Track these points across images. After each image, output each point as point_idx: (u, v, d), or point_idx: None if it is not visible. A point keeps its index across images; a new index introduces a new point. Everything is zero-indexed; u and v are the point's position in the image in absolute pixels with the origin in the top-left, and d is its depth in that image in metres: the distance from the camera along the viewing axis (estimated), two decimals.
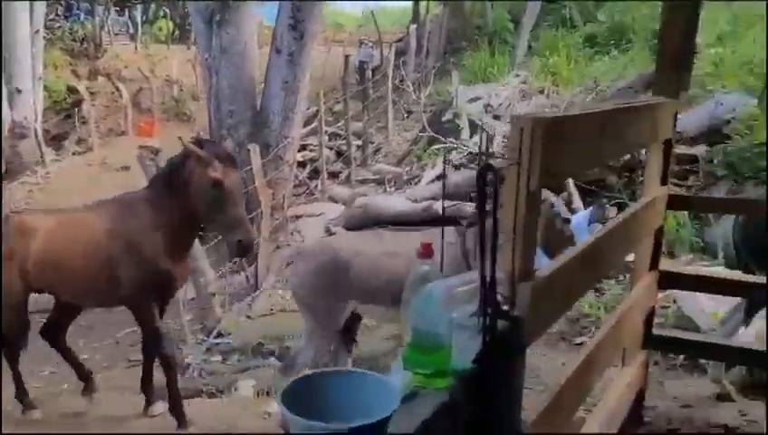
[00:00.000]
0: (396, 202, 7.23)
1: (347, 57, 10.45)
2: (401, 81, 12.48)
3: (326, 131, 10.17)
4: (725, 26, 8.27)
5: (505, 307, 1.49)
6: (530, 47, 13.26)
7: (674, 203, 3.04)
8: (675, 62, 2.81)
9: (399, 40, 17.35)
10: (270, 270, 6.75)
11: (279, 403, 0.97)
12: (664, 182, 2.93)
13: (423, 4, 19.49)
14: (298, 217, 8.16)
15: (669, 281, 3.14)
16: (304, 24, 7.51)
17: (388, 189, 8.54)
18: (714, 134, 6.63)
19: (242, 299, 6.42)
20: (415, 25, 15.99)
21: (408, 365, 1.24)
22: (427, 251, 1.24)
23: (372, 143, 11.06)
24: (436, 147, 8.69)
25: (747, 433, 3.15)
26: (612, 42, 11.62)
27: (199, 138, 4.24)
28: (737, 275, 3.61)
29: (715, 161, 6.40)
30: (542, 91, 9.56)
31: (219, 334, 5.48)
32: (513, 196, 1.46)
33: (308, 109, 10.19)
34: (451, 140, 8.33)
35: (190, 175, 3.35)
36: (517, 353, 1.52)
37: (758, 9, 9.38)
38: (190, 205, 3.40)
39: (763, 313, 3.52)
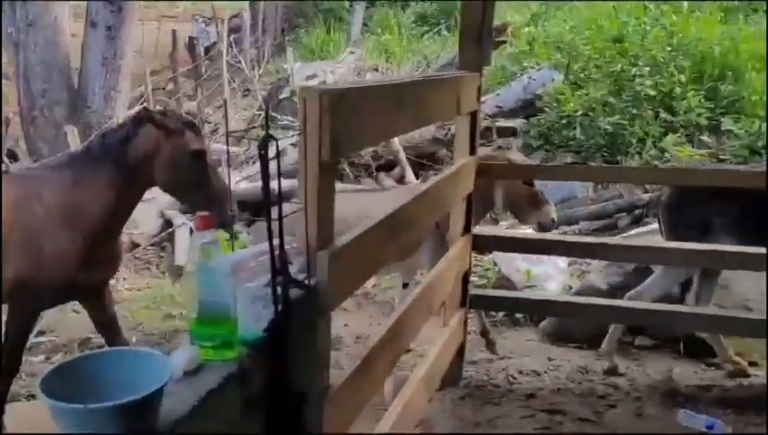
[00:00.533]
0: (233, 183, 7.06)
1: (174, 33, 9.95)
2: (237, 59, 12.14)
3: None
4: (538, 7, 8.95)
5: (302, 276, 1.53)
6: (365, 25, 13.48)
7: (482, 171, 3.26)
8: (475, 37, 3.00)
9: (235, 16, 16.81)
10: None
11: (37, 391, 0.93)
12: (472, 152, 3.13)
13: None
14: None
15: (481, 244, 3.38)
16: None
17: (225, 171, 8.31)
18: (529, 107, 7.18)
19: None
20: (250, 2, 15.58)
21: (195, 339, 1.23)
22: (205, 223, 1.23)
23: (209, 123, 10.68)
24: (274, 125, 8.59)
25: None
26: (442, 20, 12.12)
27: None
28: (546, 235, 3.98)
29: (532, 133, 6.95)
30: (376, 69, 9.77)
31: (41, 332, 5.06)
32: (302, 166, 1.49)
33: (139, 87, 9.61)
34: (288, 117, 8.28)
35: (156, 147, 2.78)
36: (317, 320, 1.57)
37: None
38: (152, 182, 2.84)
39: None
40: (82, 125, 6.80)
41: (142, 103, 9.69)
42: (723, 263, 3.29)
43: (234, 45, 12.53)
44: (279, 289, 1.34)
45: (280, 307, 1.34)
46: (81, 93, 7.20)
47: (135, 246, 6.32)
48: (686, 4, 7.72)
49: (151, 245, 6.26)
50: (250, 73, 11.30)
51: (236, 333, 1.25)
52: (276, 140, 1.28)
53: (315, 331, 1.57)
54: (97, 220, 2.78)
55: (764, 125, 5.89)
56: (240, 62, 11.66)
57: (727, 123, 6.11)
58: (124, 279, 5.70)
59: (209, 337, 1.22)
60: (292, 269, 1.51)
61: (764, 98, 6.19)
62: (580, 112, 6.52)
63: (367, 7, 13.71)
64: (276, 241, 1.35)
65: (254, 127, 8.35)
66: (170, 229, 6.33)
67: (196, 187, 2.81)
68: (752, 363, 3.52)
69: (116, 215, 2.85)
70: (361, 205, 3.12)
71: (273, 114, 8.90)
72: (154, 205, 7.46)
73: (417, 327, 2.44)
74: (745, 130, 5.91)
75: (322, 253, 1.56)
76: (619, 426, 2.92)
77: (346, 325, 4.25)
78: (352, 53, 10.44)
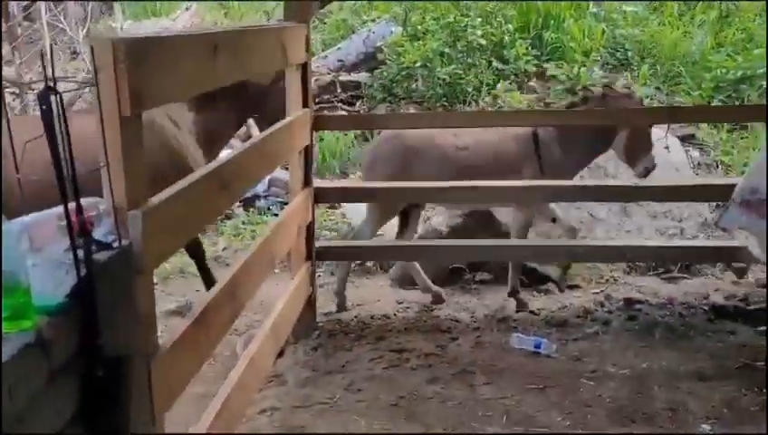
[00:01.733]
0: None
1: None
2: (57, 18, 11.05)
3: None
4: None
5: (112, 237, 1.46)
6: None
7: (318, 123, 3.27)
8: None
9: None
10: None
11: None
12: (305, 104, 3.12)
13: None
14: None
15: (322, 196, 3.42)
16: None
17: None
18: (371, 60, 7.23)
19: None
20: None
21: None
22: None
23: (33, 90, 9.73)
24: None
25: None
26: None
27: None
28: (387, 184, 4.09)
29: (375, 85, 7.02)
30: (214, 24, 9.34)
31: None
32: (100, 122, 1.40)
33: None
34: None
35: None
36: (134, 280, 1.51)
37: None
38: None
39: None
40: None
41: None
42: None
43: (54, 4, 11.39)
44: (81, 253, 1.27)
45: (84, 272, 1.27)
46: None
47: None
48: None
49: None
50: (75, 34, 10.36)
51: (30, 301, 1.17)
52: (59, 93, 1.19)
53: (134, 292, 1.51)
54: None
55: (583, 70, 6.39)
56: (62, 21, 10.63)
57: (551, 69, 6.55)
58: None
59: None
60: (101, 231, 1.44)
61: (582, 44, 6.70)
62: (419, 64, 6.68)
63: None
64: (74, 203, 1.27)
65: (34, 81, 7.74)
66: None
67: None
68: (574, 286, 3.90)
69: None
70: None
71: None
72: None
73: (257, 281, 2.43)
74: (566, 75, 6.37)
75: (134, 212, 1.50)
76: (459, 355, 3.13)
77: (198, 291, 4.14)
78: (187, 9, 9.89)
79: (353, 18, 8.10)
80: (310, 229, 3.30)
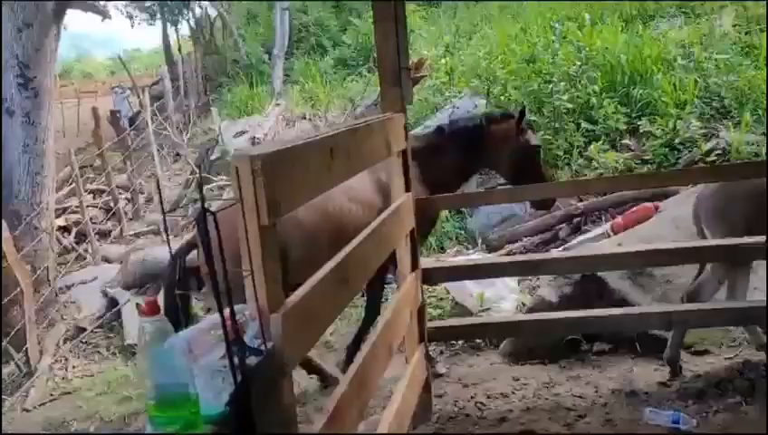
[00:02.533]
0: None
1: (94, 109, 9.78)
2: (163, 126, 12.02)
3: (87, 190, 9.44)
4: (450, 38, 9.25)
5: (258, 341, 1.52)
6: (287, 76, 13.60)
7: (420, 206, 3.32)
8: (395, 78, 3.09)
9: (156, 83, 16.70)
10: (44, 352, 6.07)
11: None
12: (407, 188, 3.19)
13: (174, 44, 19.01)
14: (69, 286, 7.44)
15: (431, 276, 3.42)
16: (37, 80, 6.90)
17: (164, 240, 8.16)
18: None
19: (14, 391, 5.69)
20: (167, 67, 15.52)
21: (156, 426, 1.21)
22: (152, 308, 1.22)
23: (143, 193, 10.50)
24: (208, 186, 8.52)
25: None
26: (361, 62, 12.37)
27: None
28: (486, 258, 4.08)
29: None
30: (304, 117, 9.85)
31: None
32: (243, 232, 1.49)
33: (65, 167, 9.38)
34: (222, 177, 8.23)
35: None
36: (275, 383, 1.55)
37: (476, 17, 10.68)
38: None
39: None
40: (11, 214, 6.57)
41: (71, 184, 9.47)
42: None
43: (158, 113, 12.43)
44: (236, 359, 1.33)
45: (239, 377, 1.32)
46: (6, 183, 6.96)
47: (81, 330, 6.10)
48: (587, 18, 8.13)
49: (98, 327, 6.05)
50: (177, 138, 11.20)
51: (199, 412, 1.23)
52: (214, 213, 1.29)
53: (278, 393, 1.55)
54: None
55: (679, 122, 6.22)
56: (166, 128, 11.55)
57: (645, 125, 6.42)
58: (74, 367, 5.48)
59: (171, 421, 1.20)
60: (247, 336, 1.51)
61: (674, 97, 6.55)
62: None
63: (286, 59, 13.86)
64: (227, 311, 1.34)
65: (179, 207, 8.26)
66: (115, 308, 6.14)
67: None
68: (705, 352, 3.66)
69: None
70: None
71: (207, 175, 8.83)
72: (95, 285, 7.26)
73: (380, 370, 2.44)
74: (662, 129, 6.22)
75: (275, 315, 1.56)
76: (591, 434, 2.97)
77: (311, 377, 4.19)
78: (278, 105, 10.51)
79: (435, 96, 8.33)
80: (421, 312, 3.30)
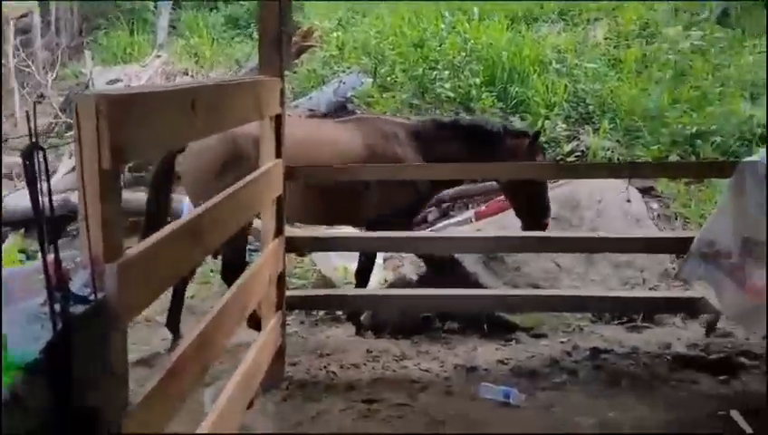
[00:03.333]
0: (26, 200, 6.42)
1: None
2: (26, 62, 11.02)
3: None
4: (344, 13, 9.21)
5: (87, 290, 1.46)
6: (173, 27, 12.91)
7: (290, 174, 3.31)
8: (274, 41, 3.04)
9: (24, 15, 15.22)
10: None
11: None
12: (278, 155, 3.16)
13: None
14: None
15: (296, 245, 3.43)
16: None
17: (17, 186, 7.53)
18: (341, 110, 7.37)
19: None
20: (40, 1, 14.20)
21: None
22: None
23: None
24: (70, 134, 7.94)
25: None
26: (252, 23, 11.97)
27: None
28: (358, 233, 4.15)
29: None
30: (186, 73, 9.43)
31: None
32: (80, 175, 1.42)
33: None
34: None
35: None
36: (109, 335, 1.50)
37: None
38: None
39: None
40: None
41: None
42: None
43: (21, 48, 11.37)
44: (58, 307, 1.27)
45: (59, 326, 1.27)
46: None
47: None
48: (476, 12, 8.40)
49: None
50: (42, 78, 10.33)
51: (5, 357, 1.16)
52: (44, 149, 1.21)
53: (108, 347, 1.50)
54: None
55: (547, 122, 6.60)
56: (29, 65, 10.60)
57: (517, 121, 6.75)
58: None
59: None
60: (75, 284, 1.44)
61: (546, 98, 6.94)
62: (388, 114, 6.83)
63: (173, 10, 13.14)
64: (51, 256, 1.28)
65: (18, 137, 7.69)
66: None
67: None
68: (542, 335, 3.95)
69: None
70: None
71: (71, 120, 8.24)
72: None
73: (229, 332, 2.42)
74: (531, 127, 6.57)
75: (111, 265, 1.50)
76: (430, 405, 3.13)
77: (163, 340, 4.08)
78: (159, 56, 9.98)
79: (324, 69, 8.28)
80: (281, 279, 3.30)
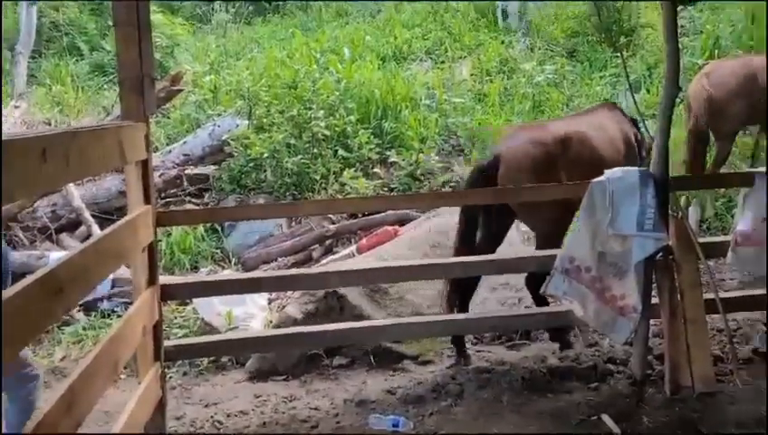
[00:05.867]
0: None
1: None
2: None
3: None
4: (216, 56, 9.15)
5: None
6: (33, 76, 12.22)
7: (162, 219, 3.22)
8: (136, 85, 2.97)
9: None
10: None
11: None
12: (147, 201, 3.07)
13: None
14: None
15: (169, 293, 3.32)
16: None
17: None
18: (218, 153, 7.26)
19: None
20: None
21: None
22: None
23: None
24: None
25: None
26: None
27: None
28: (237, 275, 4.08)
29: (224, 177, 7.04)
30: (48, 123, 8.93)
31: None
32: None
33: None
34: None
35: None
36: None
37: (246, 40, 10.71)
38: None
39: None
40: None
41: None
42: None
43: None
44: None
45: None
46: None
47: None
48: (347, 53, 8.64)
49: None
50: None
51: None
52: None
53: None
54: None
55: (421, 155, 6.86)
56: None
57: (393, 156, 6.97)
58: None
59: None
60: None
61: (419, 133, 7.22)
62: (266, 155, 6.82)
63: (33, 58, 12.45)
64: None
65: None
66: None
67: None
68: (429, 362, 4.05)
69: None
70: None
71: None
72: None
73: (99, 390, 2.29)
74: (407, 161, 6.81)
75: None
76: None
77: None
78: (17, 106, 9.38)
79: (198, 112, 8.14)
80: (157, 329, 3.17)
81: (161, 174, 6.62)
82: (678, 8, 8.44)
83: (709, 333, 3.59)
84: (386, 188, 6.65)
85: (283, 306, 4.85)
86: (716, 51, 8.07)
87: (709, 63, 5.46)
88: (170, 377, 4.01)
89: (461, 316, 3.99)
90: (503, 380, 3.61)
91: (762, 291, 3.57)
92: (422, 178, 6.66)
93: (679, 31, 8.51)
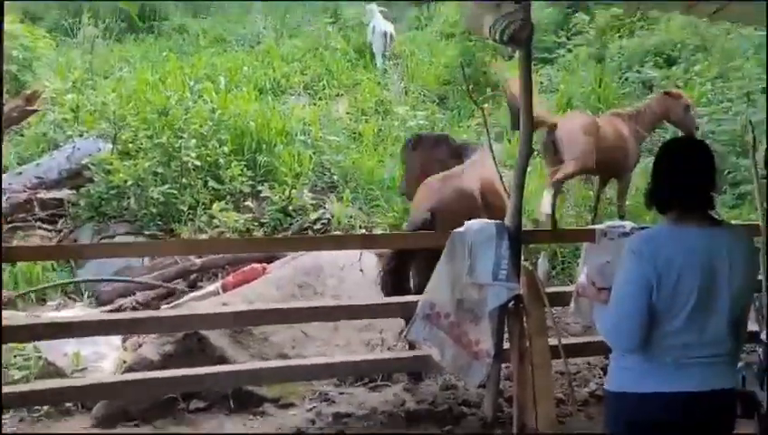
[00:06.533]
0: None
1: None
2: None
3: None
4: (80, 74, 8.65)
5: None
6: None
7: (5, 255, 2.98)
8: None
9: None
10: None
11: None
12: None
13: None
14: None
15: (7, 335, 3.07)
16: None
17: None
18: (76, 177, 6.84)
19: None
20: None
21: None
22: None
23: None
24: None
25: None
26: None
27: None
28: (88, 316, 3.83)
29: (82, 204, 6.62)
30: None
31: None
32: None
33: None
34: None
35: None
36: None
37: (115, 58, 10.21)
38: None
39: None
40: None
41: None
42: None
43: None
44: None
45: None
46: None
47: None
48: (223, 82, 8.51)
49: None
50: None
51: None
52: None
53: None
54: None
55: (294, 191, 6.87)
56: None
57: (265, 190, 6.91)
58: None
59: None
60: None
61: (293, 168, 7.22)
62: (130, 183, 6.51)
63: None
64: None
65: None
66: None
67: None
68: (289, 405, 4.01)
69: None
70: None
71: None
72: None
73: None
74: (279, 196, 6.78)
75: None
76: None
77: None
78: None
79: (56, 132, 7.63)
80: None
81: (8, 197, 6.14)
82: (538, 66, 9.16)
83: (553, 376, 3.86)
84: (256, 223, 6.57)
85: (139, 345, 4.61)
86: (569, 108, 8.82)
87: (559, 120, 5.94)
88: (4, 422, 3.67)
89: (326, 360, 4.00)
90: (362, 424, 3.65)
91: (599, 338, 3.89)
92: (294, 213, 6.65)
93: (538, 88, 9.27)
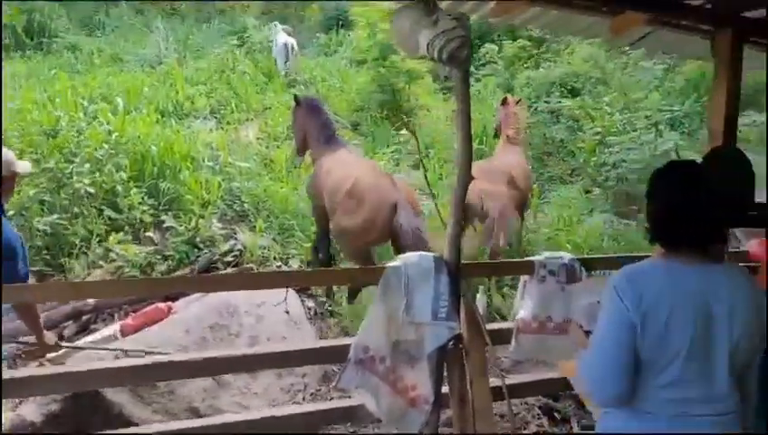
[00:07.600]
0: None
1: None
2: None
3: None
4: None
5: None
6: None
7: None
8: None
9: None
10: None
11: None
12: None
13: None
14: None
15: None
16: None
17: None
18: None
19: None
20: None
21: None
22: None
23: None
24: None
25: None
26: None
27: None
28: None
29: None
30: None
31: None
32: None
33: None
34: None
35: None
36: None
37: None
38: None
39: None
40: None
41: None
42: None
43: None
44: None
45: None
46: None
47: None
48: (121, 103, 7.85)
49: None
50: None
51: None
52: None
53: None
54: None
55: (201, 221, 6.33)
56: None
57: (169, 220, 6.33)
58: None
59: None
60: None
61: (200, 196, 6.69)
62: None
63: None
64: None
65: None
66: None
67: None
68: None
69: None
70: None
71: None
72: None
73: None
74: (185, 226, 6.22)
75: None
76: None
77: None
78: None
79: None
80: None
81: None
82: (447, 95, 9.15)
83: (494, 418, 3.59)
84: (159, 256, 5.97)
85: (18, 403, 3.95)
86: (485, 137, 8.81)
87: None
88: None
89: (251, 416, 3.51)
90: None
91: (541, 376, 3.68)
92: (201, 245, 6.11)
93: (448, 117, 9.21)
